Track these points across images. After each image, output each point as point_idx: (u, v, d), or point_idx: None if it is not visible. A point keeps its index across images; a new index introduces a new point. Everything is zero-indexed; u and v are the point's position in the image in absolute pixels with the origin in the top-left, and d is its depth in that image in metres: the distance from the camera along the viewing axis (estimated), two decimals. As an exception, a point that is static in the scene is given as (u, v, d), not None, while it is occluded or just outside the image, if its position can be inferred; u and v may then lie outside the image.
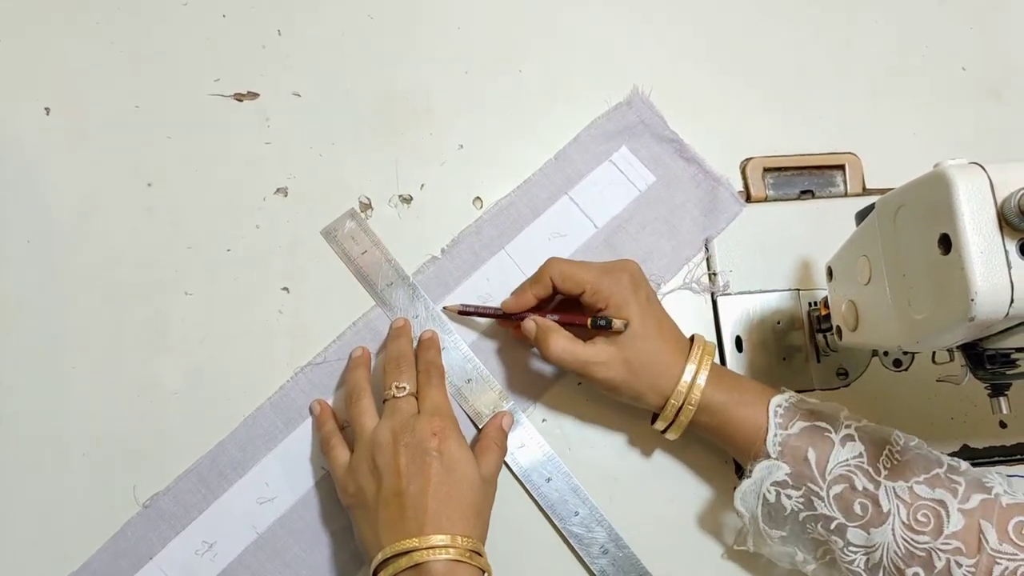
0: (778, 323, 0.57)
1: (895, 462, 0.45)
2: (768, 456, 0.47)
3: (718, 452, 0.55)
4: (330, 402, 0.54)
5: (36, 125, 0.58)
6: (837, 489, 0.45)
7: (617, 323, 0.49)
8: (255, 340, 0.55)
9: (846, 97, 0.63)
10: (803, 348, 0.57)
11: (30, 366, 0.54)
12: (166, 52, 0.60)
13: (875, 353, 0.56)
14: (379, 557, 0.44)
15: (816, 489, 0.46)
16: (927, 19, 0.65)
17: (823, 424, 0.47)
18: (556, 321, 0.51)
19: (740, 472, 0.55)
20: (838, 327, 0.50)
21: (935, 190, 0.36)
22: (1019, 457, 0.56)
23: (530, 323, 0.51)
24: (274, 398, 0.54)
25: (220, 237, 0.57)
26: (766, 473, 0.47)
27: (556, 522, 0.53)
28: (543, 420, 0.55)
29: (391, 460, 0.46)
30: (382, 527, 0.45)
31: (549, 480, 0.54)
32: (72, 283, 0.55)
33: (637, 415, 0.55)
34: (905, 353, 0.56)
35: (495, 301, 0.56)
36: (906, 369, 0.57)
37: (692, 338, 0.51)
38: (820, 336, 0.56)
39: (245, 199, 0.57)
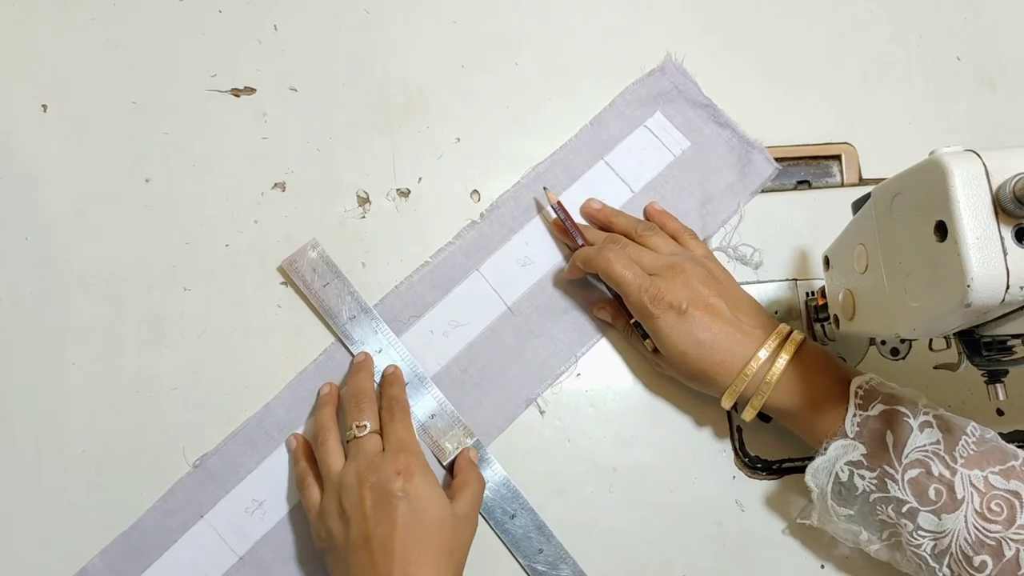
0: (776, 313, 0.57)
1: (971, 452, 0.45)
2: (845, 435, 0.47)
3: (719, 440, 0.55)
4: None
5: (33, 122, 0.58)
6: (912, 473, 0.45)
7: (648, 343, 0.53)
8: (254, 335, 0.55)
9: (842, 87, 0.63)
10: (801, 338, 0.57)
11: (29, 364, 0.54)
12: (162, 48, 0.60)
13: (872, 342, 0.56)
14: None
15: (891, 471, 0.46)
16: (921, 9, 0.65)
17: (902, 408, 0.47)
18: (611, 302, 0.56)
19: (741, 460, 0.55)
20: (835, 316, 0.50)
21: (931, 177, 0.36)
22: (1017, 444, 0.56)
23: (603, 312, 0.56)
24: (319, 360, 0.55)
25: (218, 232, 0.57)
26: (842, 452, 0.47)
27: (520, 559, 0.53)
28: (542, 412, 0.55)
29: (357, 503, 0.46)
30: (353, 573, 0.45)
31: (513, 517, 0.53)
32: (70, 280, 0.55)
33: (635, 407, 0.55)
34: (902, 341, 0.56)
35: (534, 265, 0.57)
36: (903, 357, 0.57)
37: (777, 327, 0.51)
38: (818, 326, 0.56)
39: (243, 194, 0.57)
